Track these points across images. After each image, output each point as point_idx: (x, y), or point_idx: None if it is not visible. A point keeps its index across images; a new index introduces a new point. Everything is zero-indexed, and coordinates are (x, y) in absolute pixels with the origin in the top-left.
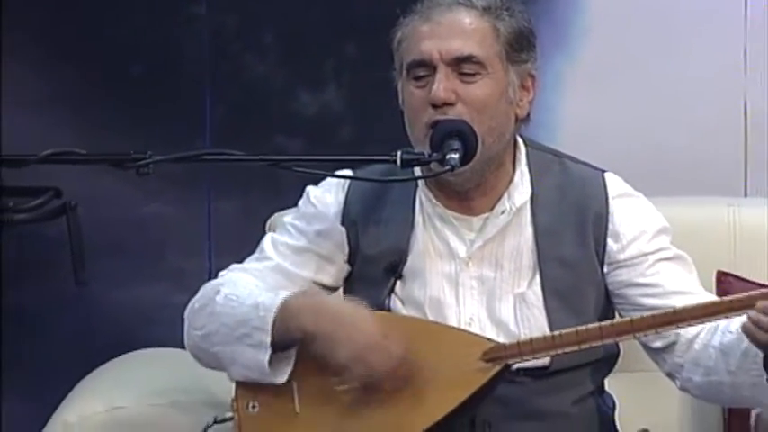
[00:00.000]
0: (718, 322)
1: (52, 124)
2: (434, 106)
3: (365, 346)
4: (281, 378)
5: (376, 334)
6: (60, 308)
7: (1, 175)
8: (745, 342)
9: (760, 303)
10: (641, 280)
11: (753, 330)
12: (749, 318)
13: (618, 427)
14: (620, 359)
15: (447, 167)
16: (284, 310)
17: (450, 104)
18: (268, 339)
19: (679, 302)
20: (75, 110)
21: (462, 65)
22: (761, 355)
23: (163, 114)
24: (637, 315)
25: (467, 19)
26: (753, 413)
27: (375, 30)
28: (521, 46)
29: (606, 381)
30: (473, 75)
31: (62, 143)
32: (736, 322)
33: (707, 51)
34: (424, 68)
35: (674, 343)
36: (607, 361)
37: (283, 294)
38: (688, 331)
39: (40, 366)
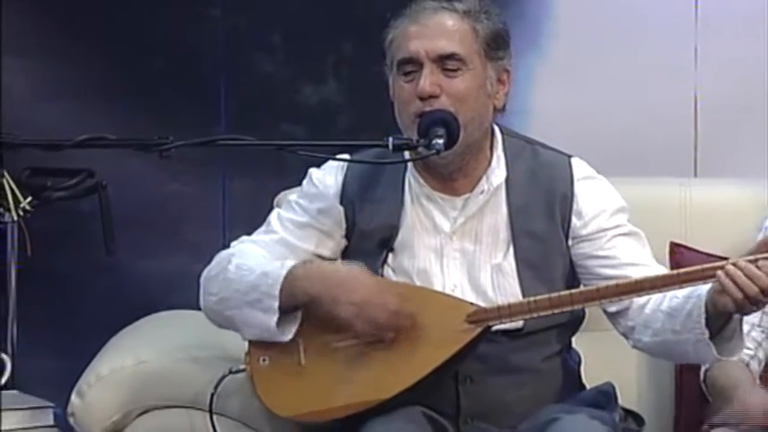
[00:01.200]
0: (670, 291)
1: (86, 113)
2: (421, 98)
3: (363, 303)
4: (288, 336)
5: (372, 290)
6: (92, 275)
7: (37, 157)
8: (689, 305)
9: (730, 268)
10: (600, 252)
11: (724, 294)
12: (722, 279)
13: (583, 380)
14: (585, 320)
15: (433, 151)
16: (290, 278)
17: (435, 97)
18: (276, 304)
19: (633, 273)
20: (106, 101)
21: (446, 61)
22: (703, 315)
23: (183, 104)
24: (603, 284)
25: (449, 21)
26: (702, 368)
27: (369, 30)
28: (497, 45)
29: (573, 339)
30: (455, 70)
31: (95, 130)
32: (685, 289)
33: (661, 49)
34: (412, 65)
35: (627, 308)
36: (574, 323)
37: (289, 264)
38: (640, 298)
39: (75, 326)
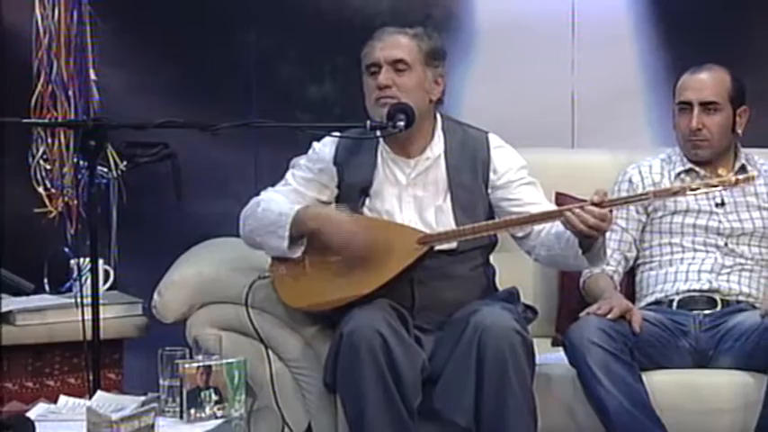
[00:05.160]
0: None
1: (162, 104)
2: (379, 88)
3: (345, 236)
4: (296, 254)
5: (351, 229)
6: (167, 214)
7: (129, 134)
8: (569, 233)
9: (567, 213)
10: (509, 196)
11: (567, 226)
12: (564, 218)
13: (497, 285)
14: (498, 244)
15: (397, 130)
16: (297, 217)
17: (389, 87)
18: (287, 233)
19: (532, 210)
20: (175, 96)
21: (397, 64)
22: (577, 240)
23: (228, 98)
24: (508, 217)
25: (402, 39)
26: (581, 279)
27: (355, 47)
28: (434, 56)
29: (491, 257)
30: (403, 71)
31: (168, 116)
32: None
33: (549, 60)
34: (375, 67)
35: (529, 233)
36: (491, 246)
37: (297, 207)
38: (538, 226)
39: (155, 248)
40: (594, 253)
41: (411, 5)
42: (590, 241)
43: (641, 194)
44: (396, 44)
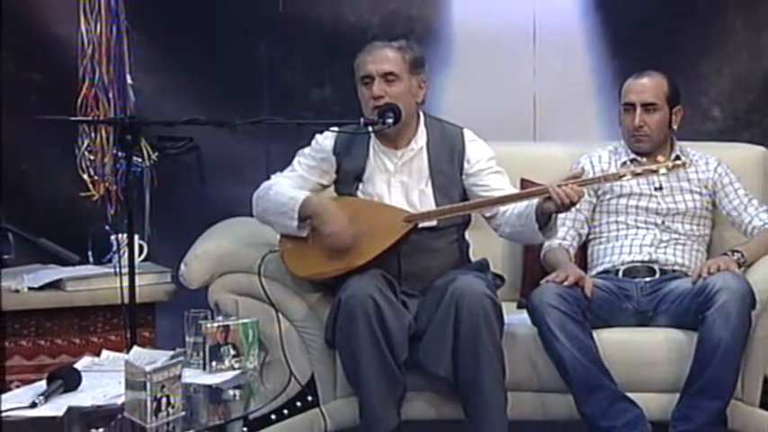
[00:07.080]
0: (519, 202)
1: (188, 104)
2: (374, 98)
3: (334, 230)
4: (303, 233)
5: (342, 226)
6: (192, 198)
7: (160, 129)
8: (528, 210)
9: (551, 190)
10: (480, 183)
11: (549, 201)
12: (549, 195)
13: (470, 257)
14: (472, 222)
15: (386, 126)
16: (304, 202)
17: (382, 96)
18: (296, 215)
19: (498, 194)
20: (199, 97)
21: (387, 76)
22: (534, 217)
23: (243, 99)
24: (479, 199)
25: (389, 53)
26: (542, 252)
27: (351, 57)
28: (417, 65)
29: (465, 233)
30: (393, 81)
31: (193, 114)
32: (526, 201)
33: (514, 67)
34: (368, 78)
35: (496, 213)
36: (465, 223)
37: (306, 194)
38: (504, 207)
39: (182, 226)
40: (549, 228)
41: (397, 21)
42: (550, 214)
43: (593, 178)
44: (384, 58)
